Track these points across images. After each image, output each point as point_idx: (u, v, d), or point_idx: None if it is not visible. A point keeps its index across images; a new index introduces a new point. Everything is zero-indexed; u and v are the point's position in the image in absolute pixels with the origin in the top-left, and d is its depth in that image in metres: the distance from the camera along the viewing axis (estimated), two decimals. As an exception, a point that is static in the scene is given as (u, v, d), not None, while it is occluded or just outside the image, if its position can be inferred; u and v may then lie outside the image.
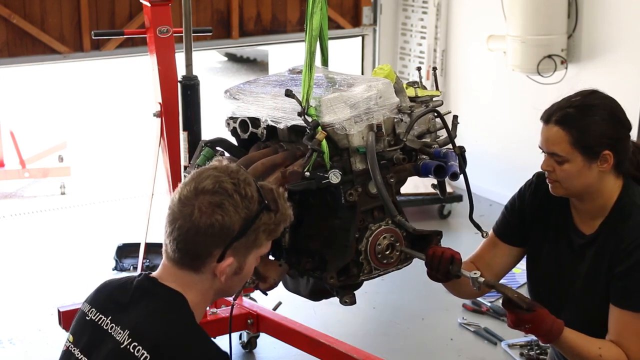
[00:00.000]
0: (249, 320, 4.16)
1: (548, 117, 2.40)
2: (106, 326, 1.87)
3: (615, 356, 2.33)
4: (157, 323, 1.82)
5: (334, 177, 2.32)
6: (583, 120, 2.34)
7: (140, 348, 1.78)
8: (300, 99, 2.35)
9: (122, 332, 1.82)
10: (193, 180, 1.85)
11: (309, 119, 2.33)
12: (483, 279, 2.32)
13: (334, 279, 2.37)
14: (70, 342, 1.94)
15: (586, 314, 2.42)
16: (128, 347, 1.79)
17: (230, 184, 1.83)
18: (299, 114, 2.34)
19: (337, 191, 2.38)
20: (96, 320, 1.90)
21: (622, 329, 2.35)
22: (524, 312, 2.29)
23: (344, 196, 2.37)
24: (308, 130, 2.33)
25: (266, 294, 2.47)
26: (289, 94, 2.34)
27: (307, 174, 2.32)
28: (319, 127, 2.32)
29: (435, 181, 2.64)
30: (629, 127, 2.42)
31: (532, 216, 2.55)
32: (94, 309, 1.92)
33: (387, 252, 2.44)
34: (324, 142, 2.33)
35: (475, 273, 2.33)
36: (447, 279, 2.43)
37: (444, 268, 2.38)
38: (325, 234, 2.44)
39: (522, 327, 2.32)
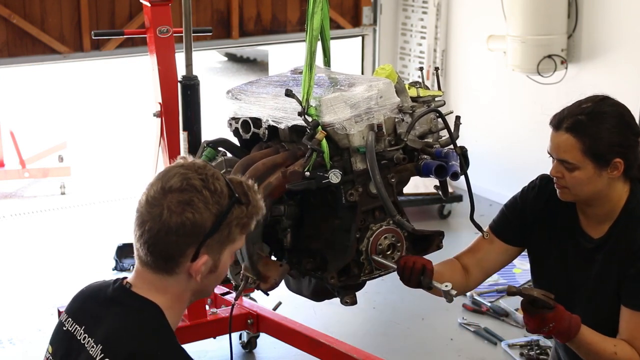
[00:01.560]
0: (249, 320, 4.15)
1: (558, 123, 2.38)
2: (80, 336, 1.83)
3: (629, 355, 2.33)
4: (129, 336, 1.77)
5: (334, 176, 2.32)
6: (595, 128, 2.33)
7: None
8: (301, 99, 2.35)
9: (95, 346, 1.78)
10: (159, 180, 1.80)
11: (309, 119, 2.33)
12: (455, 292, 2.28)
13: (334, 279, 2.36)
14: (49, 352, 1.92)
15: (596, 316, 2.41)
16: None
17: (199, 180, 1.78)
18: (299, 114, 2.34)
19: (337, 191, 2.38)
20: (72, 330, 1.86)
21: (634, 330, 2.35)
22: (547, 312, 2.27)
23: (345, 196, 2.37)
24: (308, 130, 2.33)
25: (267, 294, 2.47)
26: (289, 93, 2.34)
27: (307, 173, 2.32)
28: (319, 127, 2.32)
29: (438, 183, 2.63)
30: (638, 133, 2.41)
31: (534, 218, 2.55)
32: (70, 319, 1.89)
33: (388, 253, 2.43)
34: (324, 142, 2.32)
35: (447, 285, 2.28)
36: (420, 288, 2.40)
37: (416, 279, 2.35)
38: (326, 234, 2.44)
39: (545, 328, 2.29)
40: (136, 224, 1.79)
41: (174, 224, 1.75)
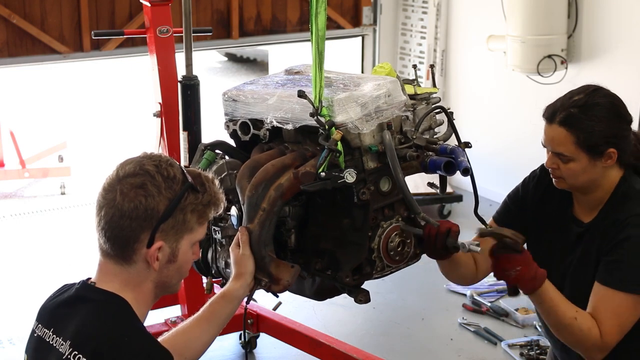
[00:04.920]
0: (249, 320, 4.16)
1: (551, 116, 2.41)
2: (48, 338, 1.85)
3: (588, 324, 2.34)
4: (96, 328, 1.79)
5: (350, 176, 2.31)
6: (588, 121, 2.36)
7: (81, 356, 1.75)
8: (312, 100, 2.34)
9: (64, 343, 1.80)
10: (116, 169, 1.86)
11: (323, 120, 2.32)
12: (479, 249, 2.27)
13: (349, 278, 2.37)
14: None
15: (580, 298, 2.42)
16: (70, 357, 1.77)
17: (152, 166, 1.82)
18: (312, 115, 2.33)
19: (349, 190, 2.37)
20: (42, 335, 1.88)
21: (598, 304, 2.37)
22: (515, 253, 2.31)
23: (357, 195, 2.36)
24: (322, 131, 2.32)
25: (277, 296, 2.48)
26: (301, 94, 2.32)
27: (323, 174, 2.30)
28: (334, 127, 2.31)
29: (433, 180, 2.63)
30: (630, 121, 2.45)
31: (534, 207, 2.59)
32: (40, 325, 1.91)
33: (399, 249, 2.44)
34: (339, 142, 2.32)
35: (472, 244, 2.29)
36: (448, 253, 2.37)
37: (441, 241, 2.33)
38: (335, 234, 2.43)
39: (511, 271, 2.31)
40: (95, 212, 1.84)
41: (127, 207, 1.79)
